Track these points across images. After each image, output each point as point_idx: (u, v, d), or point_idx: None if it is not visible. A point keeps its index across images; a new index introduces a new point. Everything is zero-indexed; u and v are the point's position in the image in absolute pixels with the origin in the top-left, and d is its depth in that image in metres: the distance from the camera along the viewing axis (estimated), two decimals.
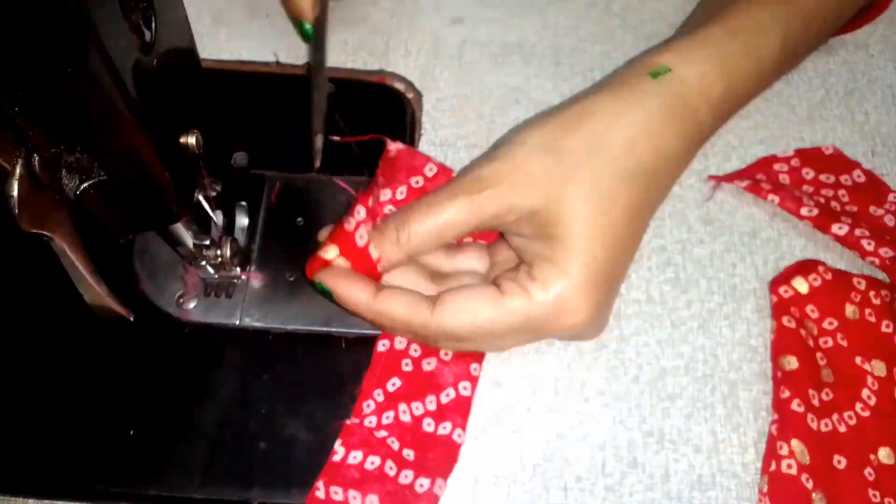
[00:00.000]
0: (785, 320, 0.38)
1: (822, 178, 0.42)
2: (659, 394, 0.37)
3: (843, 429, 0.36)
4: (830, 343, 0.38)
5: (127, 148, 0.28)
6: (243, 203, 0.40)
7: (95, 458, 0.35)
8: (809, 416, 0.35)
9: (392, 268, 0.35)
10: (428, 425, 0.36)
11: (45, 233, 0.29)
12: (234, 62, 0.46)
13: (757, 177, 0.42)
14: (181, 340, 0.38)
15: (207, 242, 0.36)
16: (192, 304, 0.38)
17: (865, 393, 0.37)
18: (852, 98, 0.45)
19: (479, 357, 0.37)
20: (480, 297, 0.33)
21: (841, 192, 0.42)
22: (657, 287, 0.39)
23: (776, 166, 0.42)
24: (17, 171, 0.26)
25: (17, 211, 0.27)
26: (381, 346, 0.37)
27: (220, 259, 0.37)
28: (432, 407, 0.36)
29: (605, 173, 0.33)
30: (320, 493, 0.34)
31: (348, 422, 0.36)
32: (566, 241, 0.33)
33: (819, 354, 0.37)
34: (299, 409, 0.36)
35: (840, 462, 0.35)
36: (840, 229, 0.40)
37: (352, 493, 0.34)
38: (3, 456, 0.35)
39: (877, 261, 0.39)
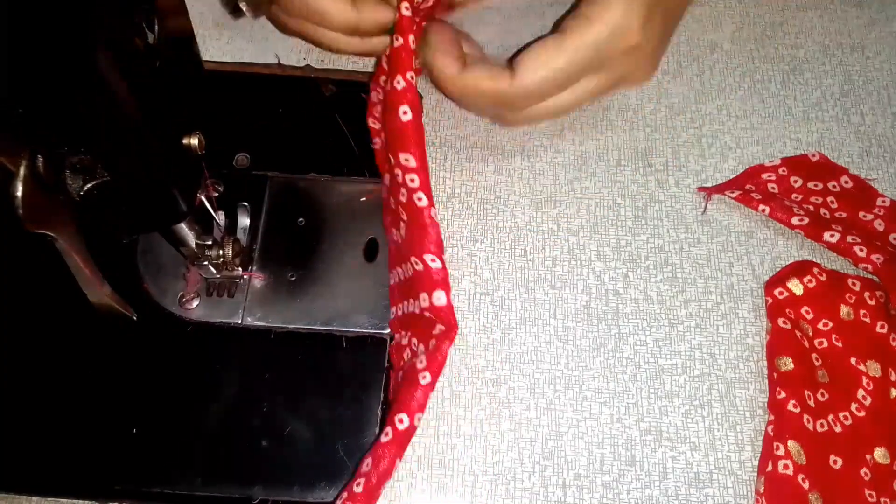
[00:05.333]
0: (780, 322, 0.38)
1: (811, 185, 0.42)
2: (657, 392, 0.37)
3: (838, 429, 0.36)
4: (825, 344, 0.38)
5: (131, 149, 0.28)
6: (245, 203, 0.41)
7: (98, 456, 0.35)
8: (805, 416, 0.36)
9: None
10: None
11: (49, 233, 0.29)
12: (235, 64, 0.46)
13: (746, 187, 0.42)
14: (184, 339, 0.38)
15: (210, 242, 0.36)
16: (194, 304, 0.38)
17: (861, 393, 0.37)
18: (848, 99, 0.45)
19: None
20: (547, 44, 0.37)
21: (829, 198, 0.42)
22: (655, 286, 0.40)
23: (764, 175, 0.42)
24: (22, 171, 0.26)
25: (21, 211, 0.27)
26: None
27: (222, 259, 0.37)
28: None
29: None
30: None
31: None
32: None
33: (814, 355, 0.38)
34: (301, 407, 0.36)
35: (836, 462, 0.36)
36: (832, 237, 0.40)
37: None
38: (7, 454, 0.35)
39: (870, 267, 0.39)
